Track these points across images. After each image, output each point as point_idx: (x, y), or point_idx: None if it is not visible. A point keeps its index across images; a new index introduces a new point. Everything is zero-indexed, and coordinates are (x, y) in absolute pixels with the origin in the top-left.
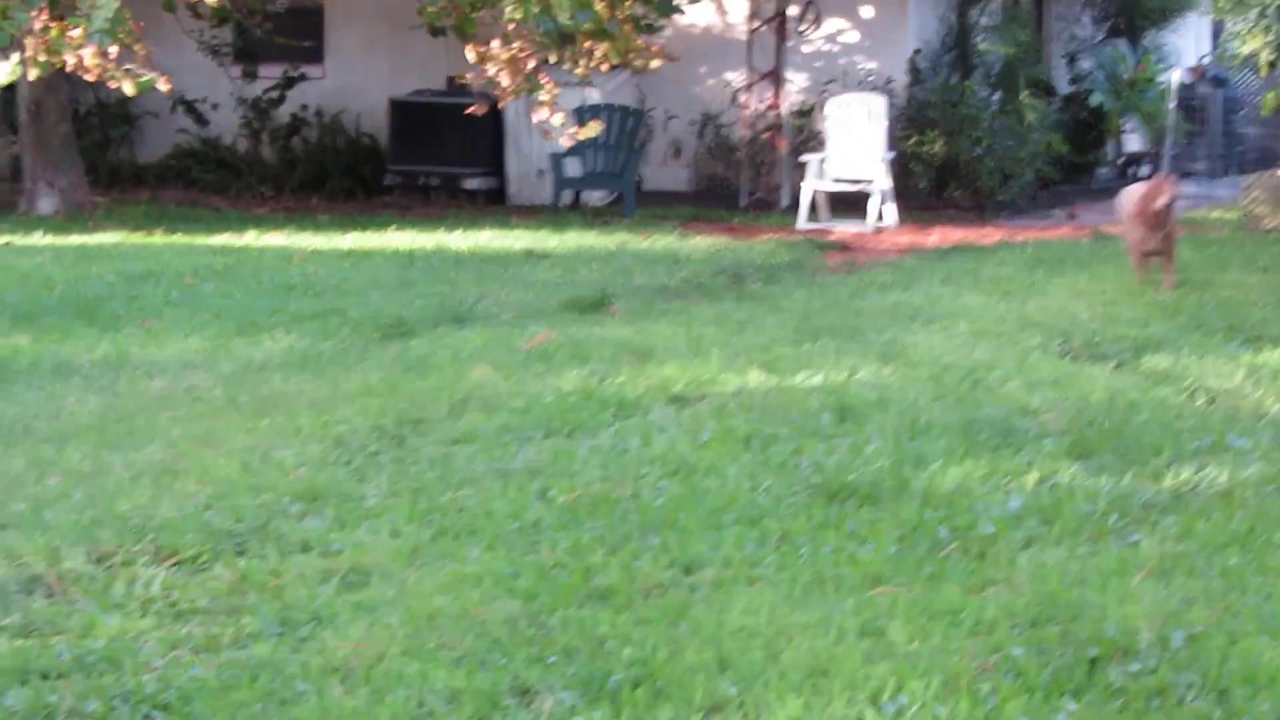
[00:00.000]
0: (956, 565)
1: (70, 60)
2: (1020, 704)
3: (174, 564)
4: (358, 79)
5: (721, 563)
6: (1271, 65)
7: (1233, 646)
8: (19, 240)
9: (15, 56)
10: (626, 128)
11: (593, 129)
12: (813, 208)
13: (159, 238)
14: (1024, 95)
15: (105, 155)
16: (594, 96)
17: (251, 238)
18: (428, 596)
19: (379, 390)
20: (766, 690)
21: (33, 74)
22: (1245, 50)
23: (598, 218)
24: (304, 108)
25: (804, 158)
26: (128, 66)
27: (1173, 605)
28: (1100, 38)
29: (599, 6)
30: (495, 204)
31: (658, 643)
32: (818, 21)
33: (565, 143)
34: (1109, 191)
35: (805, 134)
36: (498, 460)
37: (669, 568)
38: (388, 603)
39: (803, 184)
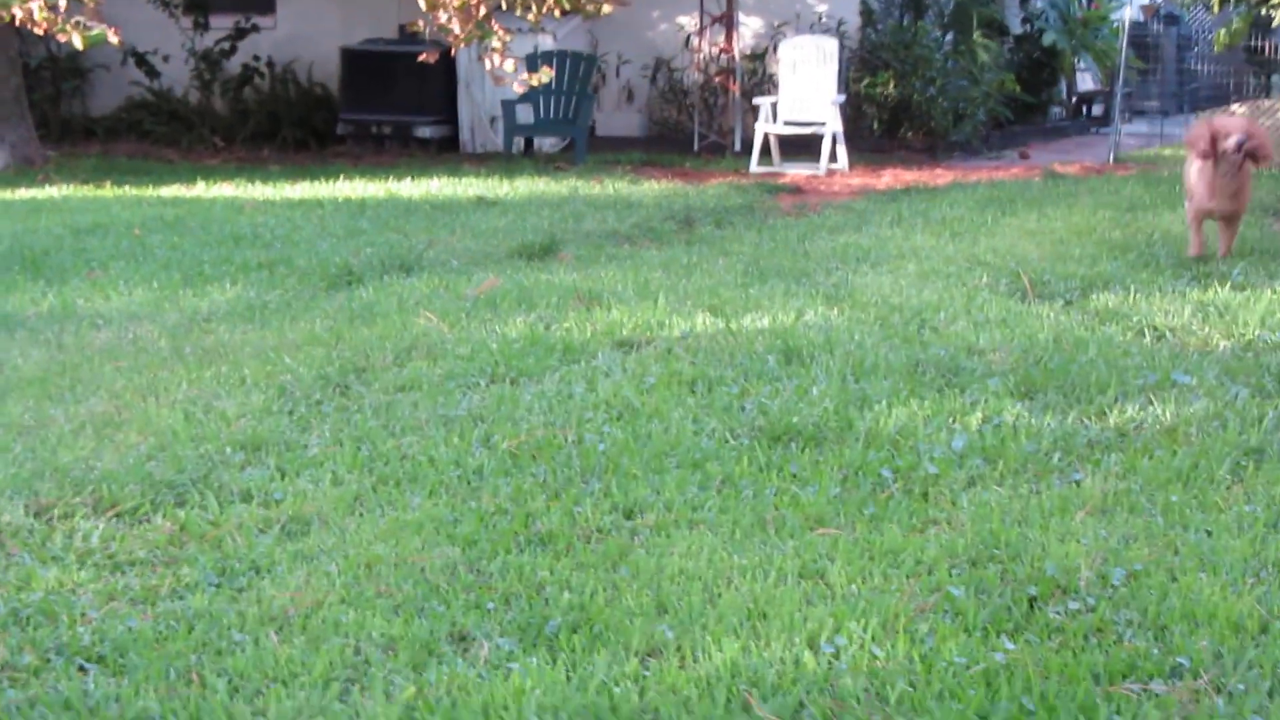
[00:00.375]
0: (898, 506)
1: (19, 13)
2: (957, 644)
3: (113, 516)
4: (309, 28)
5: (663, 506)
6: (1223, 2)
7: (1172, 584)
8: None
9: None
10: (578, 73)
11: (544, 75)
12: (765, 151)
13: (109, 190)
14: (977, 35)
15: (57, 108)
16: (546, 42)
17: (201, 189)
18: (367, 544)
19: (324, 339)
20: (704, 633)
21: None
22: None
23: (549, 164)
24: (255, 58)
25: (756, 101)
26: (77, 19)
27: (1113, 543)
28: None
29: None
30: (448, 152)
31: (596, 587)
32: None
33: (517, 89)
34: (1061, 131)
35: (758, 77)
36: (441, 407)
37: (610, 512)
38: (327, 551)
39: (755, 127)
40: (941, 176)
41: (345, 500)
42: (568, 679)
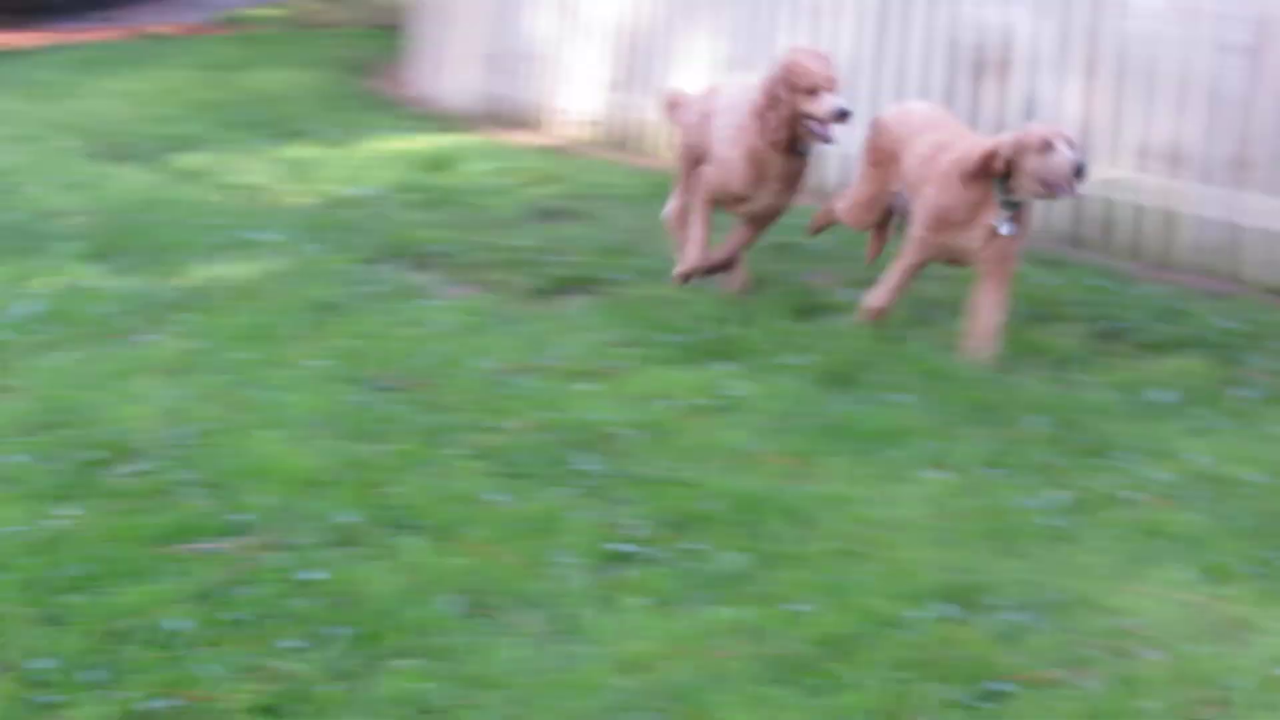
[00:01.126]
0: None
1: None
2: (15, 511)
3: None
4: None
5: None
6: None
7: (240, 441)
8: None
9: None
10: None
11: None
12: None
13: None
14: None
15: None
16: None
17: None
18: None
19: None
20: None
21: None
22: None
23: None
24: None
25: None
26: None
27: (183, 403)
28: None
29: None
30: None
31: None
32: None
33: None
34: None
35: None
36: None
37: None
38: None
39: None
40: (38, 40)
41: None
42: None
